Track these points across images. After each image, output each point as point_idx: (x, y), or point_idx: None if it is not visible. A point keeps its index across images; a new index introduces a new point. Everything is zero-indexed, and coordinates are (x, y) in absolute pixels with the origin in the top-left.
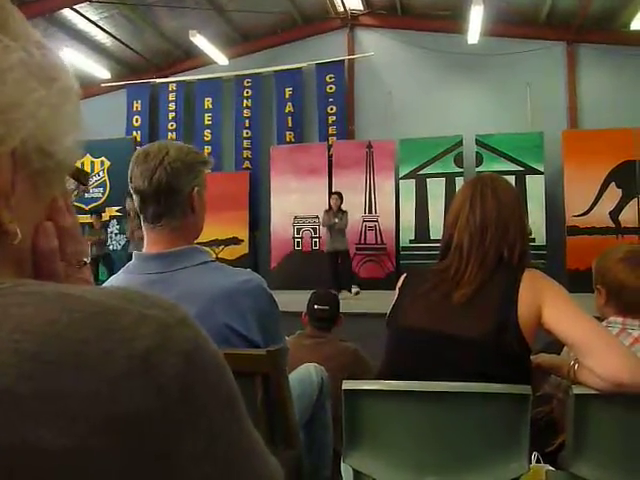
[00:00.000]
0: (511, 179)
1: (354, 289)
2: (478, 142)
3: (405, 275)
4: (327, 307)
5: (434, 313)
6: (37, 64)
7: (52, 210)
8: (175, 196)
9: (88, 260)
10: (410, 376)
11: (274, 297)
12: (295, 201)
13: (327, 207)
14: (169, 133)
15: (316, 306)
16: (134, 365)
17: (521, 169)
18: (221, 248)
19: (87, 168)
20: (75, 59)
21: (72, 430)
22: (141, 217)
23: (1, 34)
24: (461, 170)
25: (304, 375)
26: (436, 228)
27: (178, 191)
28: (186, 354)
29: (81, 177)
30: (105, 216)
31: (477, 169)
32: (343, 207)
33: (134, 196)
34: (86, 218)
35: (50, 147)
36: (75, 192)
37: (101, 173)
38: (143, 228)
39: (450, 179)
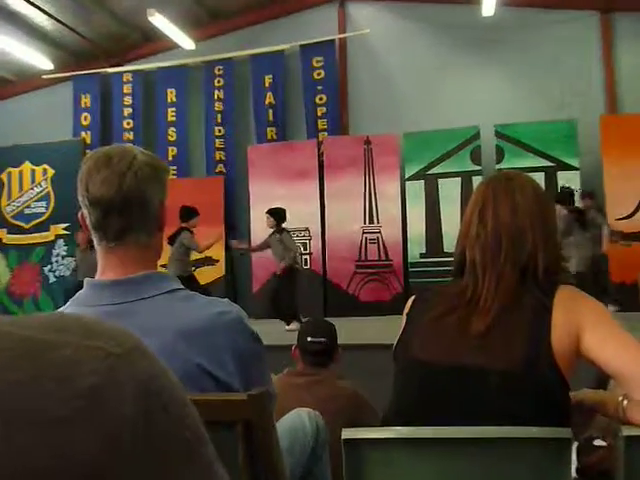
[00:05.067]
0: (540, 177)
1: (293, 325)
2: (498, 133)
3: (414, 298)
4: (323, 339)
5: (450, 343)
6: None
7: None
8: (146, 208)
9: None
10: (422, 420)
11: (257, 333)
12: None
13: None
14: (125, 133)
15: (309, 338)
16: (76, 408)
17: (551, 164)
18: (192, 271)
19: (26, 177)
20: (9, 47)
21: None
22: (96, 236)
23: None
24: (479, 167)
25: (295, 422)
26: (451, 238)
27: (149, 202)
28: (140, 389)
29: None
30: (49, 235)
31: (498, 166)
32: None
33: (90, 209)
34: (27, 238)
35: None
36: None
37: (43, 183)
38: (98, 250)
39: (466, 179)
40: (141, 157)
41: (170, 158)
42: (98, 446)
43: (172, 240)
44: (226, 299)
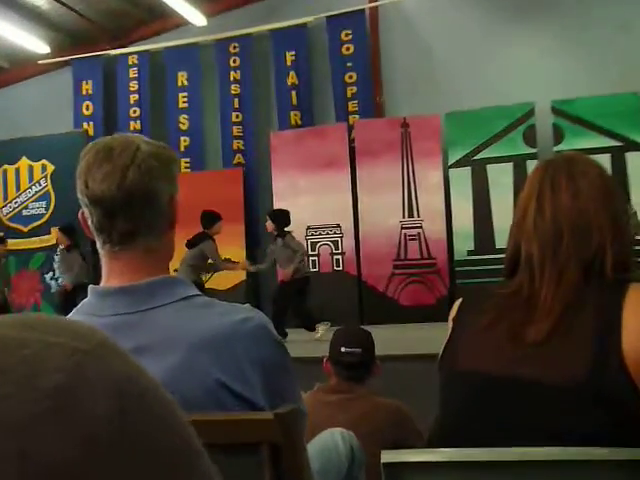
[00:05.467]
0: (605, 158)
1: (321, 328)
2: (555, 110)
3: (461, 301)
4: (358, 349)
5: (503, 352)
6: None
7: None
8: (154, 206)
9: None
10: (472, 441)
11: (282, 341)
12: (307, 205)
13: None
14: (132, 122)
15: (343, 348)
16: (43, 409)
17: (619, 144)
18: (209, 275)
19: (23, 175)
20: (1, 30)
21: None
22: (99, 238)
23: None
24: (534, 150)
25: (328, 443)
26: (503, 233)
27: (157, 198)
28: (112, 387)
29: None
30: (50, 238)
31: (556, 148)
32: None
33: (90, 208)
34: (25, 243)
35: None
36: None
37: (43, 181)
38: (102, 254)
39: (519, 163)
40: (145, 147)
41: (182, 149)
42: (71, 448)
43: (192, 245)
44: (247, 304)
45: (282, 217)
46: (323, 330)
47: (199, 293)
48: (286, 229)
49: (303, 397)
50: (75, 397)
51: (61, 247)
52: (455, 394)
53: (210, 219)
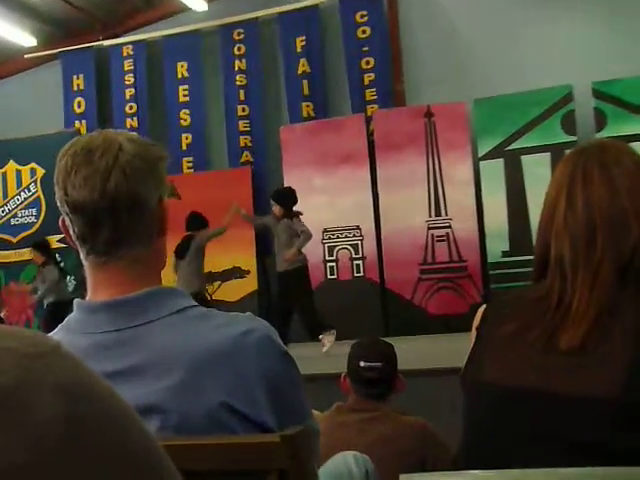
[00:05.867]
0: None
1: (326, 339)
2: (597, 93)
3: (485, 307)
4: (379, 363)
5: (531, 362)
6: None
7: None
8: (141, 211)
9: None
10: (500, 460)
11: (289, 353)
12: (323, 206)
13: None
14: (128, 119)
15: (362, 363)
16: None
17: None
18: (217, 285)
19: (11, 180)
20: None
21: None
22: (83, 248)
23: None
24: (574, 138)
25: (340, 468)
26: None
27: (144, 203)
28: (65, 390)
29: None
30: None
31: (598, 134)
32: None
33: (72, 217)
34: (15, 255)
35: None
36: None
37: (32, 187)
38: (86, 265)
39: (558, 153)
40: (129, 146)
41: (184, 147)
42: (19, 453)
43: (182, 252)
44: (249, 313)
45: (287, 196)
46: (329, 342)
47: (195, 304)
48: (295, 210)
49: (319, 418)
50: (22, 400)
51: (38, 263)
52: (480, 409)
53: (197, 221)
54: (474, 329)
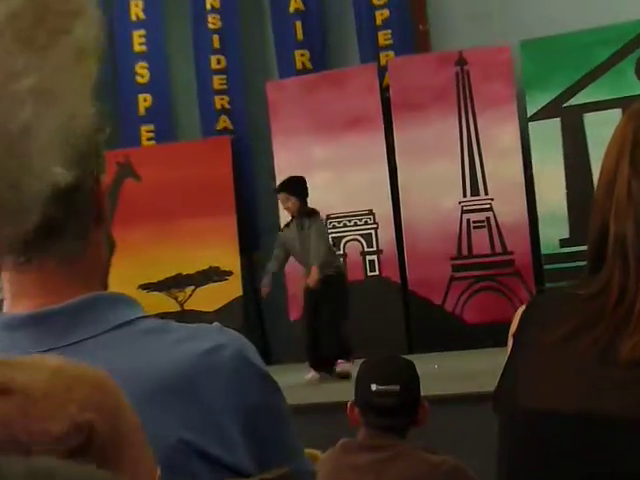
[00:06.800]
0: None
1: (342, 366)
2: None
3: (525, 309)
4: (396, 387)
5: (583, 379)
6: None
7: None
8: (70, 195)
9: None
10: None
11: (270, 375)
12: (325, 186)
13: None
14: None
15: (374, 386)
16: None
17: None
18: (189, 291)
19: None
20: None
21: None
22: None
23: None
24: None
25: None
26: None
27: (74, 185)
28: None
29: None
30: None
31: None
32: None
33: None
34: None
35: None
36: None
37: None
38: (2, 270)
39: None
40: None
41: (142, 112)
42: None
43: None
44: (216, 324)
45: (302, 185)
46: (347, 368)
47: (144, 314)
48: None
49: (319, 459)
50: None
51: None
52: (519, 442)
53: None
54: (510, 337)
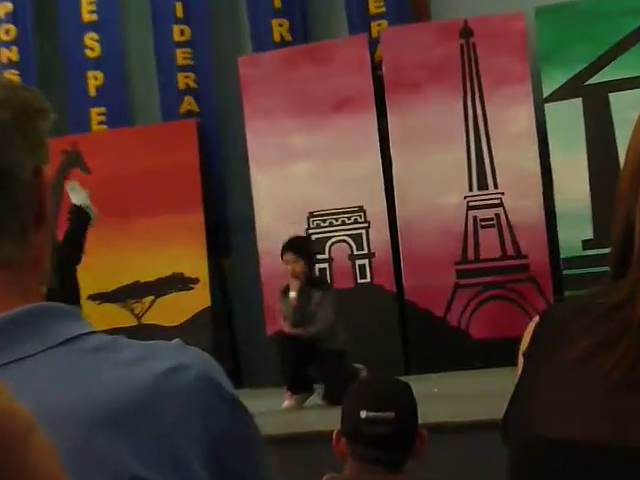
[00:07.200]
0: None
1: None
2: None
3: (538, 322)
4: (390, 413)
5: (605, 405)
6: None
7: None
8: (5, 188)
9: None
10: None
11: (239, 399)
12: (307, 178)
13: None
14: (3, 49)
15: (364, 413)
16: None
17: None
18: (148, 302)
19: None
20: None
21: None
22: None
23: None
24: None
25: None
26: None
27: (9, 176)
28: None
29: None
30: None
31: None
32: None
33: None
34: None
35: None
36: None
37: None
38: None
39: None
40: None
41: (92, 92)
42: None
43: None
44: (176, 341)
45: (311, 250)
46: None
47: (92, 330)
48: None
49: None
50: None
51: None
52: (534, 476)
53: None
54: (520, 355)
